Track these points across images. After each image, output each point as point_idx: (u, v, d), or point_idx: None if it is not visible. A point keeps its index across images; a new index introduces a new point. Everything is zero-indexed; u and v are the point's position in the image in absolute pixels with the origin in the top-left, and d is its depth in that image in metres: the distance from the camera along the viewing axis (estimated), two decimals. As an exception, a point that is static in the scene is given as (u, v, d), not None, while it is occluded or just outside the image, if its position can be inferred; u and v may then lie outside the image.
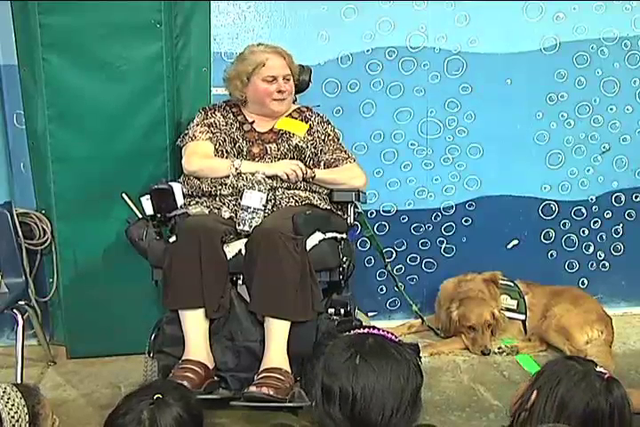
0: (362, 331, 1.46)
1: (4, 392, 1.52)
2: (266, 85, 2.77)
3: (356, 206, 2.84)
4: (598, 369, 1.60)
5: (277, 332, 2.42)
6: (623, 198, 3.58)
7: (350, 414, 1.33)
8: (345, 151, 2.89)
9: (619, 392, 1.54)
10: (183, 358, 2.41)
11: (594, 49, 3.38)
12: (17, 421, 1.50)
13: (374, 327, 1.48)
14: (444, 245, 3.49)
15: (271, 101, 2.79)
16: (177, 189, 2.60)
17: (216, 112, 2.86)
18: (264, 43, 2.86)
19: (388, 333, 1.47)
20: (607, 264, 3.64)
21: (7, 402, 1.50)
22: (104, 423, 1.50)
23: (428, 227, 3.46)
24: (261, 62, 2.76)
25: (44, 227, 3.04)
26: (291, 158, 2.77)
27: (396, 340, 1.44)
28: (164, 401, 1.47)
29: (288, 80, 2.81)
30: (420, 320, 3.40)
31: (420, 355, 1.47)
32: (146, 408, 1.46)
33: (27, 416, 1.52)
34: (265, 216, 2.55)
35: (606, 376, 1.57)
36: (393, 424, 1.34)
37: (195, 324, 2.46)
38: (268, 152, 2.76)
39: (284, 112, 2.86)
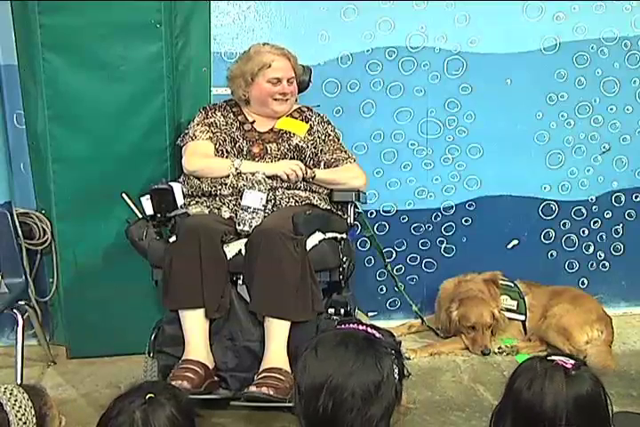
0: (342, 326, 1.44)
1: (10, 394, 1.51)
2: (270, 86, 2.78)
3: (356, 206, 2.84)
4: (554, 358, 1.55)
5: (277, 332, 2.43)
6: (623, 198, 3.58)
7: (302, 406, 1.33)
8: (345, 151, 2.90)
9: (558, 379, 1.50)
10: (183, 358, 2.42)
11: (594, 49, 3.38)
12: (24, 423, 1.49)
13: (359, 322, 1.45)
14: (443, 245, 3.49)
15: (273, 101, 2.80)
16: (177, 189, 2.61)
17: (216, 112, 2.86)
18: (269, 43, 2.86)
19: (367, 329, 1.44)
20: (607, 264, 3.64)
21: (14, 404, 1.49)
22: (96, 425, 1.49)
23: (428, 227, 3.46)
24: (267, 63, 2.77)
25: (44, 227, 3.04)
26: (291, 158, 2.77)
27: (372, 336, 1.40)
28: (157, 401, 1.47)
29: (292, 82, 2.82)
30: (419, 320, 3.40)
31: (401, 353, 1.43)
32: (138, 409, 1.45)
33: (34, 418, 1.51)
34: (265, 216, 2.55)
35: (554, 363, 1.52)
36: (335, 418, 1.30)
37: (195, 324, 2.46)
38: (269, 152, 2.76)
39: (285, 113, 2.87)
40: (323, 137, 2.86)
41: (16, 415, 1.48)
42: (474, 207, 3.46)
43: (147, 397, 1.46)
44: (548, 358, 1.56)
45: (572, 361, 1.53)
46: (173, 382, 2.22)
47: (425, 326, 3.38)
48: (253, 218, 2.52)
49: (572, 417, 1.47)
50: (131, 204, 2.87)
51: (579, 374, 1.51)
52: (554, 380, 1.48)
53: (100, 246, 3.00)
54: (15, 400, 1.50)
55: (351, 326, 1.44)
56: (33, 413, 1.51)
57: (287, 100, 2.82)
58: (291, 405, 2.29)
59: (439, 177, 3.41)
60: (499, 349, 3.16)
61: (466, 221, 3.47)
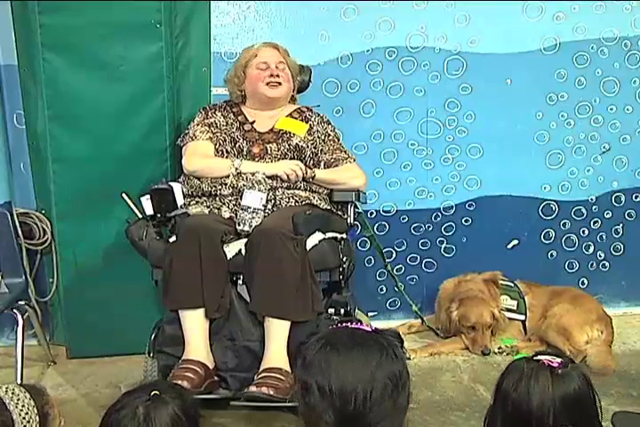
0: (338, 326, 1.46)
1: (13, 393, 1.51)
2: (259, 72, 2.81)
3: (356, 206, 2.84)
4: (540, 357, 1.55)
5: (277, 332, 2.43)
6: (623, 198, 3.58)
7: (330, 403, 1.34)
8: (345, 151, 2.90)
9: (544, 379, 1.50)
10: (183, 358, 2.42)
11: (594, 49, 3.38)
12: (28, 422, 1.49)
13: (353, 321, 1.47)
14: (443, 245, 3.49)
15: (264, 86, 2.80)
16: (177, 189, 2.61)
17: (216, 112, 2.86)
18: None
19: (365, 325, 1.47)
20: (607, 264, 3.64)
21: (17, 403, 1.49)
22: (101, 419, 1.50)
23: (428, 227, 3.46)
24: (254, 54, 2.82)
25: (44, 227, 3.04)
26: (291, 158, 2.77)
27: (374, 329, 1.44)
28: (160, 398, 1.47)
29: (283, 69, 2.82)
30: (419, 320, 3.40)
31: (403, 341, 1.45)
32: (141, 404, 1.46)
33: (37, 417, 1.52)
34: (265, 216, 2.55)
35: (540, 363, 1.53)
36: (370, 410, 1.33)
37: (195, 324, 2.46)
38: (269, 152, 2.76)
39: (279, 100, 2.86)
40: (322, 137, 2.86)
41: (19, 414, 1.48)
42: (474, 207, 3.46)
43: (151, 394, 1.47)
44: (535, 357, 1.56)
45: (559, 360, 1.54)
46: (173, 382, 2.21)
47: (425, 326, 3.39)
48: (253, 218, 2.52)
49: (560, 416, 1.48)
50: (131, 204, 2.87)
51: (565, 372, 1.51)
52: (539, 380, 1.49)
53: (100, 246, 3.00)
54: (18, 400, 1.50)
55: (344, 325, 1.46)
56: (35, 412, 1.52)
57: (279, 84, 2.81)
58: (291, 405, 2.31)
59: (439, 177, 3.41)
60: (499, 349, 3.16)
61: (466, 221, 3.47)
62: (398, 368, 1.37)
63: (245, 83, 2.84)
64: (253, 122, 2.84)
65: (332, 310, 2.58)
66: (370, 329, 1.43)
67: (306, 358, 1.39)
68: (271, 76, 2.79)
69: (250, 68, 2.81)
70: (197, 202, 2.68)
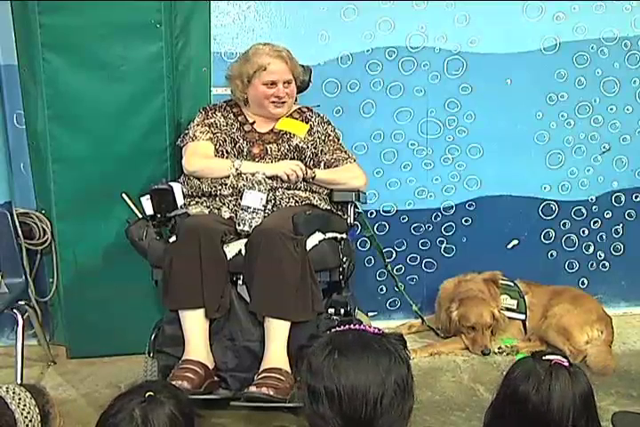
0: (342, 328, 1.46)
1: (13, 393, 1.51)
2: (265, 89, 2.77)
3: (356, 206, 2.84)
4: (550, 358, 1.56)
5: (277, 332, 2.43)
6: (623, 198, 3.58)
7: (339, 410, 1.34)
8: (345, 151, 2.90)
9: (564, 378, 1.51)
10: (183, 358, 2.42)
11: (594, 49, 3.38)
12: (30, 421, 1.49)
13: (355, 323, 1.47)
14: (443, 245, 3.49)
15: (270, 104, 2.80)
16: (177, 189, 2.61)
17: (216, 112, 2.86)
18: (270, 43, 2.85)
19: (369, 326, 1.47)
20: (607, 264, 3.64)
21: (19, 403, 1.50)
22: (96, 424, 1.49)
23: (428, 227, 3.46)
24: (263, 66, 2.75)
25: (44, 227, 3.04)
26: (291, 159, 2.77)
27: (378, 332, 1.44)
28: (156, 399, 1.47)
29: (289, 84, 2.81)
30: (419, 320, 3.40)
31: (407, 344, 1.46)
32: (137, 406, 1.45)
33: (38, 416, 1.52)
34: (265, 216, 2.55)
35: (553, 363, 1.54)
36: (380, 416, 1.34)
37: (195, 324, 2.46)
38: (269, 152, 2.76)
39: (284, 114, 2.86)
40: (323, 137, 2.86)
41: (22, 414, 1.48)
42: (474, 207, 3.46)
43: (146, 395, 1.47)
44: (544, 358, 1.56)
45: (565, 359, 1.55)
46: (173, 383, 2.21)
47: (425, 326, 3.39)
48: (253, 218, 2.52)
49: (577, 415, 1.50)
50: (131, 204, 2.87)
51: (576, 371, 1.54)
52: (560, 380, 1.51)
53: (100, 246, 3.01)
54: (19, 399, 1.50)
55: (347, 327, 1.46)
56: (37, 411, 1.52)
57: (284, 102, 2.81)
58: (291, 405, 2.32)
59: (439, 177, 3.41)
60: (499, 349, 3.16)
61: (466, 221, 3.47)
62: (405, 372, 1.38)
63: (249, 90, 2.81)
64: (253, 122, 2.84)
65: (332, 310, 2.57)
66: (373, 331, 1.43)
67: (312, 364, 1.39)
68: (277, 97, 2.78)
69: (256, 80, 2.77)
70: (197, 202, 2.68)
